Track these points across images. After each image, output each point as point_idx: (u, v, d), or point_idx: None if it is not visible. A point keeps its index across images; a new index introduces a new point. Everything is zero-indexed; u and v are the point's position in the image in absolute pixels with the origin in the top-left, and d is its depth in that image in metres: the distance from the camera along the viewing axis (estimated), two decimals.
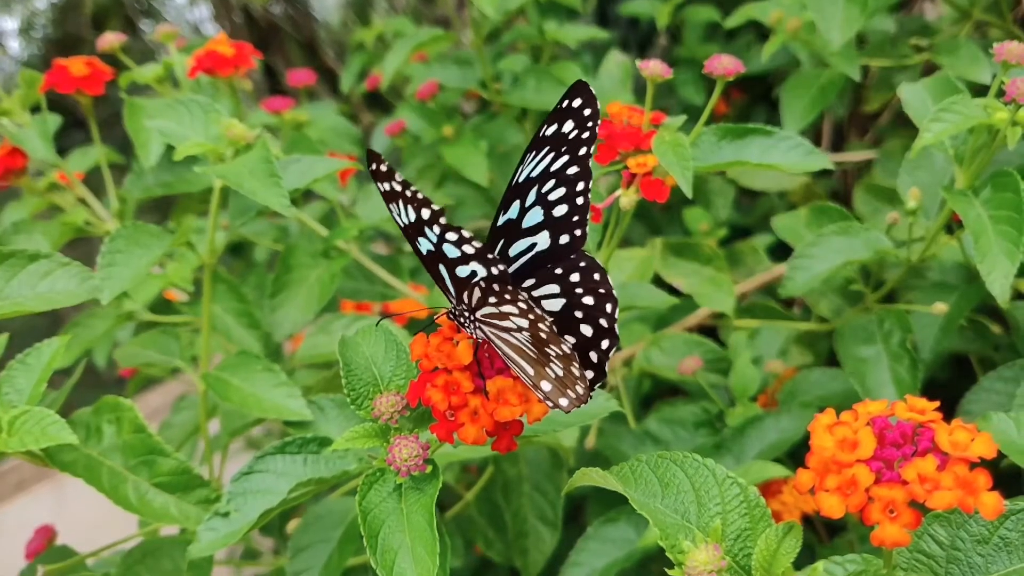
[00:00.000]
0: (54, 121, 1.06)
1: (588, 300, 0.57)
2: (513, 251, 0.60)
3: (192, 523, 0.72)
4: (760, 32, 1.66)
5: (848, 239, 0.93)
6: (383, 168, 0.53)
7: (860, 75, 1.17)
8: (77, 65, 1.01)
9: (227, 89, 1.12)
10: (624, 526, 0.92)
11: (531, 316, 0.53)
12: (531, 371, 0.54)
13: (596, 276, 0.57)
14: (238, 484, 0.67)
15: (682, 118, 0.84)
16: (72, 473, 0.72)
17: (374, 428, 0.60)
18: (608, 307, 0.57)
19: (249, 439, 1.56)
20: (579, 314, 0.57)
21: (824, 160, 0.81)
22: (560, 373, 0.54)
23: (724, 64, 0.77)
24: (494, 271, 0.55)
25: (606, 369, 0.57)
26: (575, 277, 0.58)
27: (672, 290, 1.15)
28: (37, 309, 0.73)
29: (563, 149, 0.58)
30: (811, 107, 1.19)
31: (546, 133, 0.59)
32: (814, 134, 1.66)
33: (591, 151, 0.58)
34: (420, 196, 0.53)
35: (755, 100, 1.78)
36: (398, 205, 0.54)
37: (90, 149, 1.19)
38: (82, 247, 1.13)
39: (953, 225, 0.93)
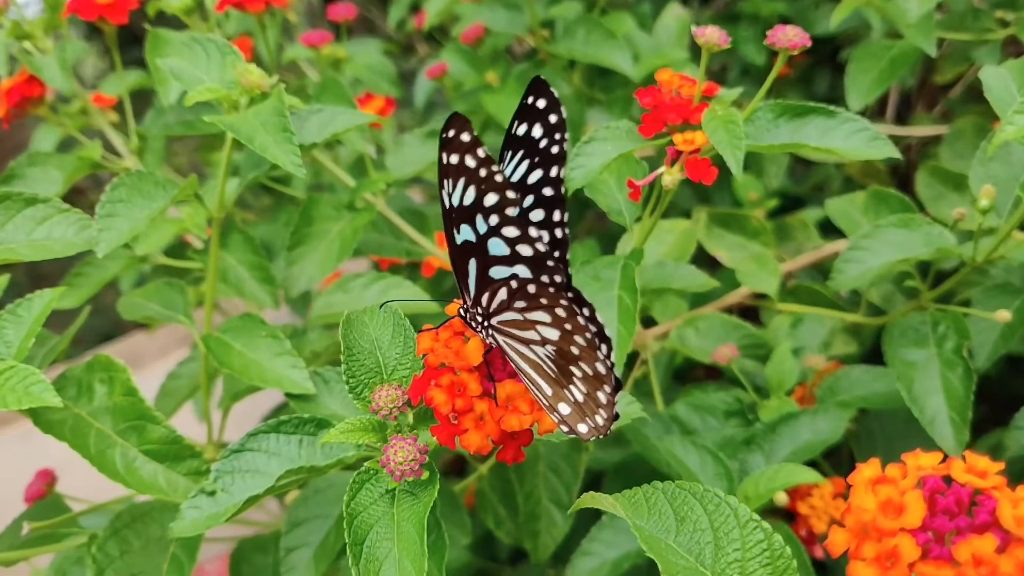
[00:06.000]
0: (75, 49, 1.01)
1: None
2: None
3: (180, 495, 0.67)
4: None
5: (907, 233, 0.85)
6: (464, 138, 0.45)
7: (935, 49, 1.08)
8: None
9: (258, 25, 1.06)
10: None
11: (567, 326, 0.47)
12: (548, 391, 0.48)
13: (586, 311, 0.50)
14: (227, 462, 0.62)
15: (736, 91, 0.77)
16: (56, 436, 0.68)
17: (371, 422, 0.56)
18: (602, 349, 0.49)
19: None
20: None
21: (889, 148, 0.73)
22: (580, 398, 0.48)
23: (789, 36, 0.69)
24: (557, 279, 0.48)
25: (611, 414, 0.49)
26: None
27: (713, 262, 1.09)
28: (31, 258, 0.68)
29: (536, 160, 0.50)
30: (879, 82, 1.10)
31: (517, 132, 0.51)
32: (879, 102, 1.57)
33: (561, 173, 0.50)
34: (498, 179, 0.45)
35: (819, 62, 1.68)
36: (457, 182, 0.46)
37: (127, 74, 1.13)
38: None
39: None
